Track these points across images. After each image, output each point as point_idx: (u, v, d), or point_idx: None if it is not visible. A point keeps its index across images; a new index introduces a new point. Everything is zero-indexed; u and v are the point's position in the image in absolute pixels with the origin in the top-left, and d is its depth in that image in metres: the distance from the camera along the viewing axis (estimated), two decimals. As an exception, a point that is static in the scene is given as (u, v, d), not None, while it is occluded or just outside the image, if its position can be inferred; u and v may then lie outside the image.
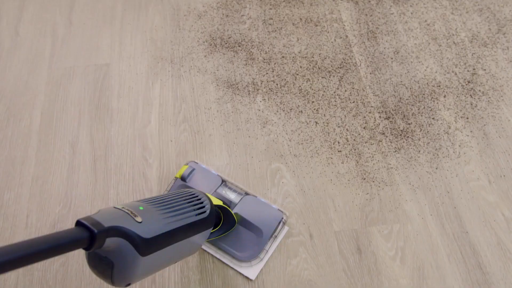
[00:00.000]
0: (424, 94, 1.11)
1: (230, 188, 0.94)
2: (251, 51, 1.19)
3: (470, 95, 1.10)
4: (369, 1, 1.29)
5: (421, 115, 1.07)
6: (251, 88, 1.12)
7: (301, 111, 1.08)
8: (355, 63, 1.16)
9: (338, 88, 1.12)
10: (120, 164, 1.01)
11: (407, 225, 0.93)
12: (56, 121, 1.08)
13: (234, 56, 1.18)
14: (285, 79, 1.13)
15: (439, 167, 1.00)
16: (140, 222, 0.57)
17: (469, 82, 1.13)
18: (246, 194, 0.93)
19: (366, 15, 1.26)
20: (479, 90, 1.11)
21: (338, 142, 1.03)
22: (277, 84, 1.13)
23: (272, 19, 1.25)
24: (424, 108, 1.08)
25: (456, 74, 1.14)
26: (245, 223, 0.88)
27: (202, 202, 0.74)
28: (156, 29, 1.24)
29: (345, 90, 1.11)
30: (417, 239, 0.91)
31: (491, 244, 0.90)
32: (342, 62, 1.16)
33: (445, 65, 1.16)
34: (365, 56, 1.18)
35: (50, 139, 1.05)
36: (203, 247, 0.89)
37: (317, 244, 0.91)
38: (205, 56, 1.19)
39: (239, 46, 1.20)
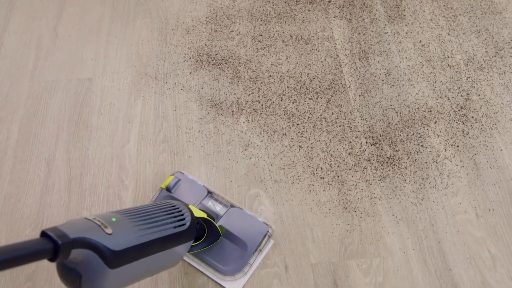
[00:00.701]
0: (414, 120, 1.07)
1: (216, 200, 0.93)
2: (237, 69, 1.16)
3: (462, 122, 1.07)
4: (363, 19, 1.26)
5: (410, 142, 1.04)
6: (235, 108, 1.10)
7: (285, 134, 1.05)
8: (345, 84, 1.13)
9: (325, 111, 1.09)
10: (96, 184, 0.99)
11: (388, 259, 0.89)
12: (34, 137, 1.07)
13: (220, 73, 1.16)
14: (270, 100, 1.11)
15: (425, 198, 0.96)
16: (110, 234, 0.56)
17: (462, 107, 1.09)
18: (232, 206, 0.92)
19: (359, 33, 1.23)
20: (472, 117, 1.08)
21: (321, 168, 1.00)
22: (262, 105, 1.10)
23: (261, 35, 1.23)
24: (413, 134, 1.05)
25: (449, 99, 1.11)
26: (230, 236, 0.88)
27: (182, 215, 0.72)
28: (142, 43, 1.23)
29: (332, 113, 1.08)
30: (397, 275, 0.88)
31: (475, 283, 0.87)
32: (331, 83, 1.13)
33: (438, 89, 1.12)
34: (355, 77, 1.15)
35: (26, 156, 1.04)
36: (187, 259, 0.88)
37: (292, 277, 0.88)
38: (190, 73, 1.16)
39: (226, 63, 1.17)
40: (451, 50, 1.19)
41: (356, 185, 0.98)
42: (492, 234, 0.92)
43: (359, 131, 1.06)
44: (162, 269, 0.73)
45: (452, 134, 1.05)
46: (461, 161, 1.01)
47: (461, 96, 1.11)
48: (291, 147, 1.04)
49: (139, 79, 1.16)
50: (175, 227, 0.69)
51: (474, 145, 1.04)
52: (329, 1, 1.30)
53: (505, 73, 1.15)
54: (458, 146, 1.03)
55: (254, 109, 1.09)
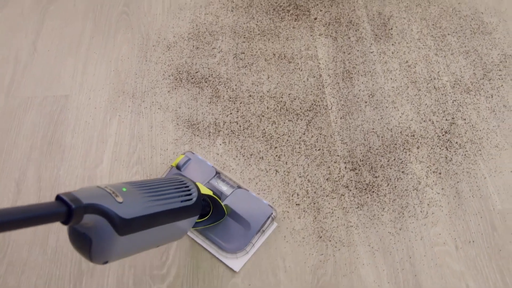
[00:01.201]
0: (396, 144, 1.05)
1: (223, 180, 0.96)
2: (217, 88, 1.14)
3: (446, 148, 1.04)
4: (349, 38, 1.24)
5: (390, 168, 1.01)
6: (212, 129, 1.08)
7: (262, 157, 1.03)
8: (326, 106, 1.11)
9: (304, 133, 1.07)
10: (65, 207, 0.97)
11: (361, 292, 0.87)
12: (6, 155, 1.05)
13: (199, 92, 1.14)
14: (249, 121, 1.09)
15: (403, 228, 0.94)
16: (121, 203, 0.59)
17: (446, 132, 1.07)
18: (239, 187, 0.94)
19: (344, 52, 1.21)
20: (456, 142, 1.05)
21: (298, 194, 0.98)
22: (240, 126, 1.08)
23: (244, 53, 1.21)
24: (394, 159, 1.03)
25: (433, 122, 1.08)
26: (234, 216, 0.90)
27: (189, 190, 0.75)
28: (122, 59, 1.21)
29: (312, 136, 1.06)
30: (370, 310, 0.85)
31: (450, 319, 0.84)
32: (312, 104, 1.11)
33: (423, 112, 1.10)
34: (337, 98, 1.12)
35: (-4, 176, 1.02)
36: (191, 235, 0.91)
37: (261, 310, 0.86)
38: (168, 91, 1.15)
39: (206, 82, 1.16)
40: (438, 72, 1.17)
41: (333, 212, 0.96)
42: (472, 268, 0.89)
43: (338, 155, 1.04)
44: (167, 241, 0.76)
45: (435, 160, 1.03)
46: (442, 189, 0.99)
47: (446, 120, 1.09)
48: (267, 171, 1.01)
49: (116, 97, 1.14)
50: (181, 201, 0.72)
51: (457, 172, 1.01)
52: (315, 18, 1.28)
53: (492, 97, 1.12)
54: (440, 173, 1.01)
55: (231, 131, 1.07)
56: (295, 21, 1.27)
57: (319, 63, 1.19)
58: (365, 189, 0.99)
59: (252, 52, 1.21)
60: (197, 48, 1.23)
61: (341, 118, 1.09)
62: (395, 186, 0.99)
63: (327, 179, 1.00)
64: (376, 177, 1.00)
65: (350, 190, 0.99)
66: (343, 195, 0.98)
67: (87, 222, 0.56)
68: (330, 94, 1.13)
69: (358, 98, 1.12)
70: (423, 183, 0.99)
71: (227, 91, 1.14)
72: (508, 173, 1.01)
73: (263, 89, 1.14)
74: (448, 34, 1.24)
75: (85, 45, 1.24)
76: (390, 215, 0.96)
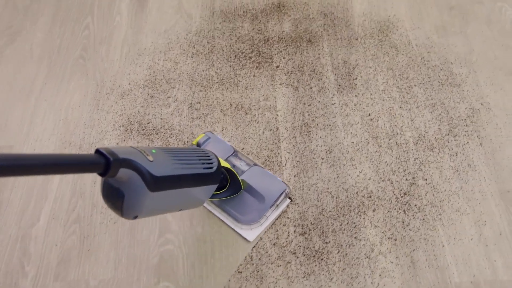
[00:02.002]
0: (350, 206, 1.00)
1: (240, 159, 1.03)
2: (168, 141, 1.11)
3: (404, 211, 0.99)
4: (311, 88, 1.20)
5: (343, 233, 0.96)
6: (158, 186, 1.03)
7: (207, 219, 0.99)
8: (280, 162, 1.07)
9: (254, 192, 1.02)
10: (-7, 270, 0.93)
11: None
12: None
13: (148, 145, 1.10)
14: (197, 178, 1.04)
15: (351, 302, 0.88)
16: (151, 161, 0.65)
17: (405, 194, 1.02)
18: (255, 165, 1.01)
19: (304, 104, 1.17)
20: (415, 205, 1.00)
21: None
22: (187, 183, 1.03)
23: (199, 103, 1.17)
24: (347, 223, 0.98)
25: (392, 183, 1.03)
26: (250, 190, 0.97)
27: (210, 159, 0.82)
28: (73, 107, 1.18)
29: (262, 195, 1.01)
30: None
31: None
32: (266, 160, 1.07)
33: (382, 170, 1.05)
34: (293, 154, 1.08)
35: None
36: (209, 207, 0.98)
37: None
38: (117, 143, 1.11)
39: (157, 134, 1.12)
40: (401, 126, 1.13)
41: (276, 282, 0.91)
42: None
43: (288, 217, 0.99)
44: (188, 206, 0.82)
45: (391, 225, 0.97)
46: (396, 257, 0.93)
47: (406, 180, 1.04)
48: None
49: (62, 149, 1.10)
50: (203, 168, 0.78)
51: (413, 239, 0.96)
52: (277, 66, 1.25)
53: (456, 155, 1.07)
54: (395, 240, 0.96)
55: (177, 188, 1.03)
56: (256, 69, 1.24)
57: (277, 114, 1.15)
58: (314, 256, 0.94)
59: (209, 102, 1.18)
60: (152, 96, 1.19)
61: (294, 176, 1.05)
62: (346, 254, 0.94)
63: (274, 244, 0.95)
64: (326, 242, 0.95)
65: (298, 257, 0.94)
66: (290, 263, 0.93)
67: (122, 176, 0.61)
68: (286, 149, 1.09)
69: (314, 154, 1.08)
70: (376, 251, 0.94)
71: (177, 144, 1.10)
72: (468, 241, 0.95)
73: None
74: (415, 85, 1.20)
75: (36, 92, 1.22)
76: (339, 286, 0.90)
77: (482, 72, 1.23)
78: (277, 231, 0.97)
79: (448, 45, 1.29)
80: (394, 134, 1.12)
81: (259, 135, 1.12)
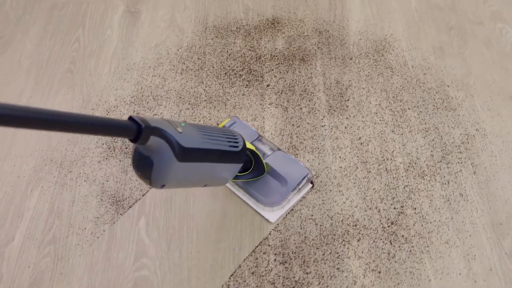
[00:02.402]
0: (335, 235, 0.97)
1: (264, 143, 1.07)
2: (151, 160, 1.08)
3: (390, 242, 0.96)
4: (301, 108, 1.17)
5: (325, 263, 0.93)
6: (138, 207, 1.01)
7: (184, 244, 0.96)
8: (265, 186, 1.04)
9: (236, 217, 0.99)
10: (-37, 291, 0.91)
11: None
12: None
13: (131, 164, 1.08)
14: (179, 200, 1.02)
15: (329, 338, 0.85)
16: (180, 132, 0.68)
17: (392, 223, 0.98)
18: (279, 149, 1.05)
19: (293, 125, 1.14)
20: (402, 236, 0.97)
21: (217, 290, 0.90)
22: (168, 205, 1.01)
23: (185, 121, 1.15)
24: (330, 253, 0.94)
25: (379, 211, 1.00)
26: (273, 173, 1.00)
27: (236, 139, 0.84)
28: (57, 122, 1.16)
29: (244, 221, 0.99)
30: None
31: None
32: (250, 183, 1.04)
33: (369, 198, 1.02)
34: (278, 177, 1.05)
35: None
36: (232, 189, 1.02)
37: None
38: (99, 161, 1.09)
39: (140, 153, 1.09)
40: (392, 151, 1.09)
41: (253, 314, 0.88)
42: None
43: (269, 245, 0.96)
44: (212, 182, 0.84)
45: (376, 256, 0.94)
46: (380, 291, 0.90)
47: (394, 208, 1.01)
48: (191, 259, 0.94)
49: (43, 166, 1.08)
50: (229, 146, 0.81)
51: (398, 272, 0.92)
52: (268, 85, 1.22)
53: (448, 183, 1.04)
54: (380, 272, 0.92)
55: (158, 210, 1.01)
56: (246, 87, 1.22)
57: (264, 136, 1.12)
58: (294, 287, 0.90)
59: (195, 121, 1.15)
60: (138, 113, 1.17)
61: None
62: (327, 286, 0.91)
63: (252, 273, 0.92)
64: (307, 273, 0.92)
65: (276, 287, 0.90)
66: (268, 294, 0.90)
67: (151, 144, 0.64)
68: (271, 172, 1.06)
69: (300, 178, 1.05)
70: (359, 283, 0.91)
71: (160, 164, 1.08)
72: (456, 276, 0.92)
73: (199, 164, 1.08)
74: (409, 108, 1.17)
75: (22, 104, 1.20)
76: (317, 320, 0.87)
77: (479, 96, 1.19)
78: (257, 259, 0.94)
79: (445, 66, 1.26)
80: (384, 160, 1.08)
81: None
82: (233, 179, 0.93)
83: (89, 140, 1.13)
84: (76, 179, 1.06)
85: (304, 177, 1.01)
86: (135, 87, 1.23)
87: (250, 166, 0.97)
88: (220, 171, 0.82)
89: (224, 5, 1.42)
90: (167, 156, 0.67)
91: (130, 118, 0.62)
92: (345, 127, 1.14)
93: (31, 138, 1.13)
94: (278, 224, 0.99)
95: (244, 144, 0.86)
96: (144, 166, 0.68)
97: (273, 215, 0.99)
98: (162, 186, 0.70)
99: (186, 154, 0.69)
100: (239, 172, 0.95)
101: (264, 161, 1.00)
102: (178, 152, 0.67)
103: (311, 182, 1.04)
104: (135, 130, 0.61)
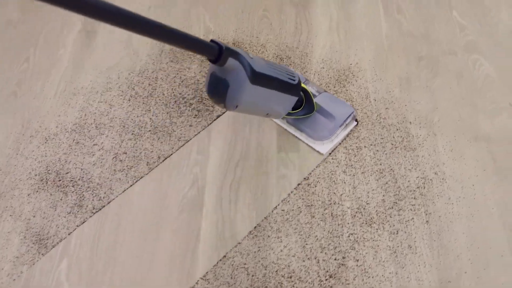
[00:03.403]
0: (266, 287, 0.90)
1: (311, 86, 1.16)
2: (83, 195, 1.03)
3: (325, 297, 0.89)
4: (249, 142, 1.11)
5: (251, 319, 0.87)
6: (62, 247, 0.96)
7: (105, 291, 0.91)
8: (198, 231, 0.98)
9: (163, 263, 0.94)
10: None
11: None
12: None
13: (61, 199, 1.03)
14: (106, 240, 0.96)
15: None
16: (252, 58, 0.79)
17: (330, 276, 0.92)
18: (325, 91, 1.15)
19: (239, 160, 1.08)
20: (339, 291, 0.90)
21: None
22: (93, 252, 0.96)
23: (126, 153, 1.10)
24: (259, 308, 0.88)
25: (318, 262, 0.94)
26: (322, 111, 1.10)
27: (293, 74, 0.93)
28: (-7, 150, 1.12)
29: (171, 267, 0.93)
30: None
31: None
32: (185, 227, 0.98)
33: (310, 246, 0.96)
34: (215, 220, 0.99)
35: None
36: (285, 126, 1.12)
37: None
38: (29, 194, 1.04)
39: (73, 186, 1.05)
40: (341, 194, 1.03)
41: None
42: None
43: (194, 296, 0.90)
44: (272, 112, 0.95)
45: (308, 313, 0.88)
46: None
47: (335, 259, 0.94)
48: (105, 311, 0.88)
49: (-30, 197, 1.04)
50: (288, 79, 0.90)
51: (330, 333, 0.85)
52: (218, 116, 1.16)
53: (397, 233, 0.97)
54: (310, 332, 0.86)
55: (83, 251, 0.95)
56: (194, 117, 1.16)
57: (207, 173, 1.06)
58: None
59: (136, 153, 1.10)
60: (77, 143, 1.13)
61: (211, 247, 0.96)
62: None
63: (172, 328, 0.86)
64: (231, 330, 0.86)
65: None
66: None
67: (228, 66, 0.74)
68: (208, 214, 1.00)
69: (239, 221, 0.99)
70: None
71: (92, 200, 1.03)
72: None
73: (133, 201, 1.02)
74: (365, 146, 1.11)
75: (-41, 130, 1.16)
76: None
77: (442, 135, 1.12)
78: (179, 312, 0.88)
79: (409, 101, 1.19)
80: (331, 203, 1.02)
81: (183, 195, 1.03)
82: (286, 115, 1.03)
83: (22, 171, 1.08)
84: (2, 214, 1.02)
85: (350, 115, 1.10)
86: (78, 114, 1.18)
87: (301, 104, 1.06)
88: (280, 101, 0.92)
89: (185, 26, 1.37)
90: (242, 77, 0.76)
91: (212, 40, 0.71)
92: (294, 166, 1.08)
93: (-39, 167, 1.09)
94: (207, 273, 0.93)
95: (299, 80, 0.95)
96: (220, 88, 0.78)
97: (323, 147, 1.08)
98: (236, 107, 0.79)
99: (257, 78, 0.79)
100: (291, 109, 1.04)
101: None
102: (251, 75, 0.77)
103: (356, 120, 1.12)
104: (217, 50, 0.70)
